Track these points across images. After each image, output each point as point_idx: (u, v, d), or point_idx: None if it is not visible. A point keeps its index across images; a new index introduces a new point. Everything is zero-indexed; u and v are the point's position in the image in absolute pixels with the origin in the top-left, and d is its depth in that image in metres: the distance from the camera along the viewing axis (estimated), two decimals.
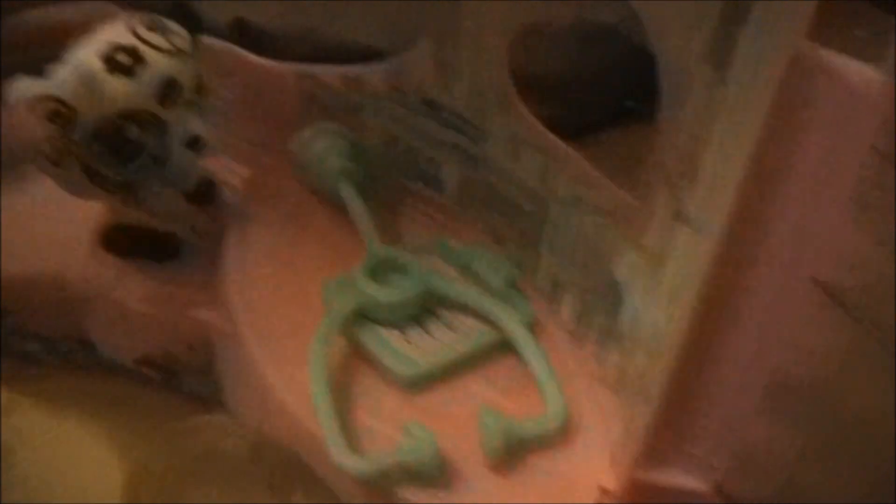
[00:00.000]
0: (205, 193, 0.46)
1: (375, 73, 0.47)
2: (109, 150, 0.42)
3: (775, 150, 0.30)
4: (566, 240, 0.43)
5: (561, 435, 0.40)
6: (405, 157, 0.48)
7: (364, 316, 0.43)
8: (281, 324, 0.43)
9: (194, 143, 0.44)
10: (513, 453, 0.39)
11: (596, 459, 0.39)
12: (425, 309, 0.43)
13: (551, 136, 0.43)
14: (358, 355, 0.43)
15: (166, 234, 0.46)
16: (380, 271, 0.44)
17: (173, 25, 0.43)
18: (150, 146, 0.42)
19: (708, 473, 0.37)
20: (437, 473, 0.38)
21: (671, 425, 0.36)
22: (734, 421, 0.35)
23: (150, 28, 0.42)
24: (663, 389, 0.35)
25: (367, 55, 0.47)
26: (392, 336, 0.42)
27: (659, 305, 0.36)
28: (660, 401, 0.35)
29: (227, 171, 0.49)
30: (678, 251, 0.35)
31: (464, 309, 0.44)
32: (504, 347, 0.43)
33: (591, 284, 0.42)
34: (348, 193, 0.46)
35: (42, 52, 0.41)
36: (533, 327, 0.44)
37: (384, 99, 0.47)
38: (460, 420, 0.40)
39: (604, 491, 0.38)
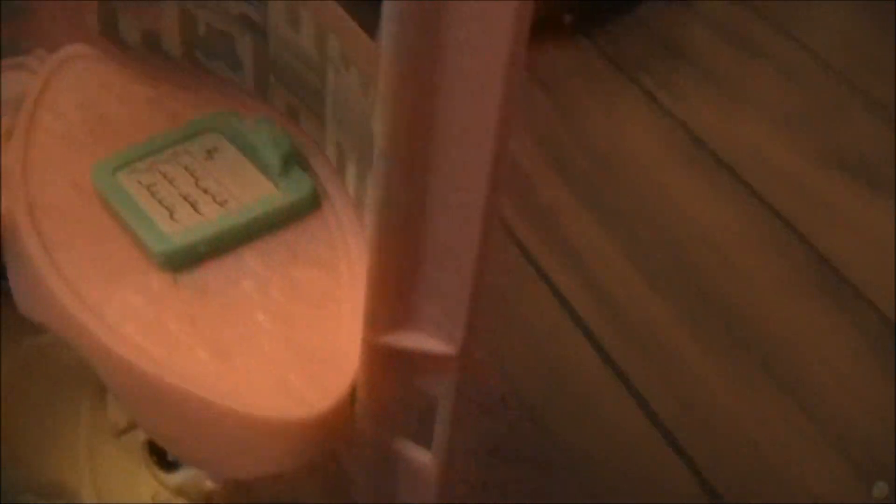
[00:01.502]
0: None
1: None
2: None
3: None
4: (343, 106, 0.40)
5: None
6: (204, 38, 0.46)
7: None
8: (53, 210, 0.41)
9: None
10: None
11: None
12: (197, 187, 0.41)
13: None
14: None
15: None
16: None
17: None
18: None
19: (450, 334, 0.34)
20: None
21: (398, 278, 0.33)
22: (460, 266, 0.32)
23: None
24: (374, 231, 0.32)
25: None
26: (154, 210, 0.40)
27: None
28: (373, 246, 0.32)
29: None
30: None
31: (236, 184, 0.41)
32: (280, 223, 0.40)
33: (366, 150, 0.39)
34: None
35: None
36: (312, 200, 0.41)
37: None
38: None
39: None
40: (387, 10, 0.27)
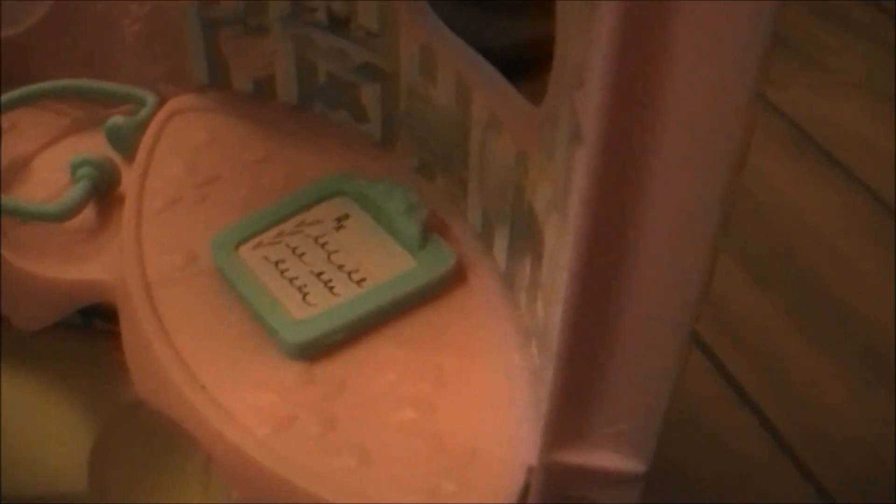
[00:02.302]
0: None
1: None
2: None
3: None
4: (490, 171, 0.36)
5: None
6: (324, 87, 0.42)
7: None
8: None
9: None
10: None
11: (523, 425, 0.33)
12: (330, 263, 0.37)
13: (466, 48, 0.36)
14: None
15: None
16: None
17: None
18: None
19: (638, 450, 0.30)
20: None
21: (579, 392, 0.28)
22: (652, 383, 0.28)
23: None
24: (561, 345, 0.28)
25: None
26: (283, 292, 0.36)
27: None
28: (559, 361, 0.28)
29: None
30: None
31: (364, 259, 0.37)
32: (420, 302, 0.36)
33: (518, 220, 0.35)
34: None
35: None
36: (457, 275, 0.37)
37: (289, 18, 0.40)
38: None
39: (530, 469, 0.32)
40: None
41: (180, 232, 0.39)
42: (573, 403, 0.29)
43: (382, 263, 0.37)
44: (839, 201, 0.94)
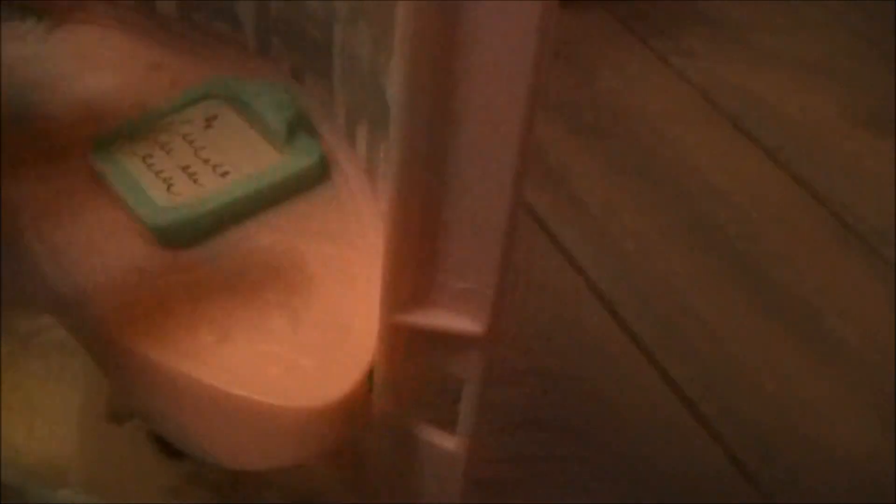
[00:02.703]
0: None
1: None
2: None
3: None
4: (352, 66, 0.37)
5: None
6: None
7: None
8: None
9: None
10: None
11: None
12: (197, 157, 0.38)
13: None
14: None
15: None
16: None
17: None
18: None
19: (477, 311, 0.31)
20: None
21: (414, 252, 0.30)
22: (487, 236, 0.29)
23: None
24: (394, 200, 0.29)
25: None
26: (150, 183, 0.37)
27: None
28: (393, 218, 0.29)
29: None
30: None
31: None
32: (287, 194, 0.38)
33: (378, 112, 0.36)
34: None
35: None
36: (321, 168, 0.38)
37: None
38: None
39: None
40: None
41: (68, 142, 0.40)
42: (408, 264, 0.30)
43: (248, 158, 0.38)
44: (748, 168, 0.96)
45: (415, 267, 0.30)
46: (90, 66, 0.43)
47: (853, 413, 0.76)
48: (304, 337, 0.34)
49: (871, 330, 0.82)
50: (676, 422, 0.75)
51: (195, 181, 0.37)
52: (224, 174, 0.37)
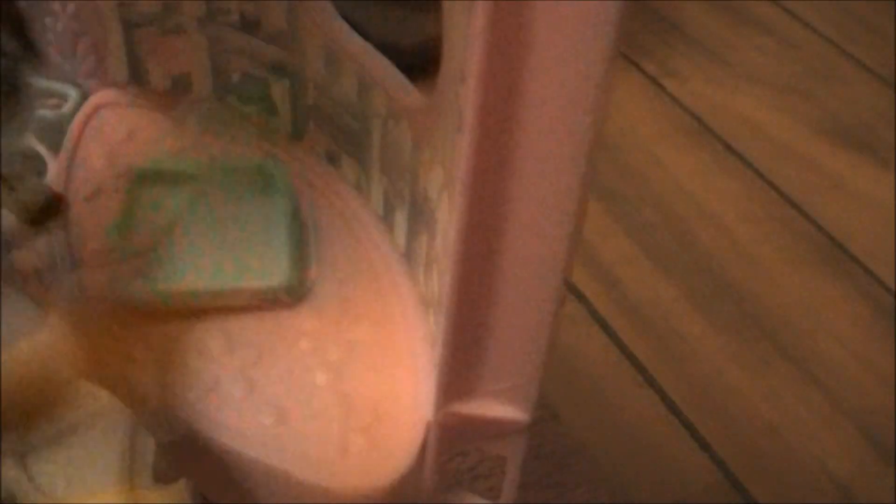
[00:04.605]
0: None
1: None
2: None
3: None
4: (390, 158, 0.40)
5: None
6: (238, 84, 0.45)
7: None
8: None
9: None
10: None
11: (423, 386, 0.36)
12: None
13: (367, 46, 0.39)
14: None
15: None
16: None
17: None
18: None
19: (522, 401, 0.33)
20: None
21: (467, 350, 0.32)
22: (532, 340, 0.31)
23: None
24: (449, 308, 0.31)
25: None
26: None
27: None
28: (448, 322, 0.31)
29: None
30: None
31: None
32: None
33: (416, 202, 0.39)
34: None
35: None
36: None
37: (204, 19, 0.44)
38: None
39: (429, 424, 0.36)
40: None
41: (101, 220, 0.42)
42: (462, 360, 0.32)
43: None
44: (737, 189, 0.98)
45: (467, 365, 0.32)
46: (121, 147, 0.45)
47: (839, 429, 0.79)
48: (355, 420, 0.37)
49: (858, 349, 0.84)
50: (670, 440, 0.77)
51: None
52: None
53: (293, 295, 0.39)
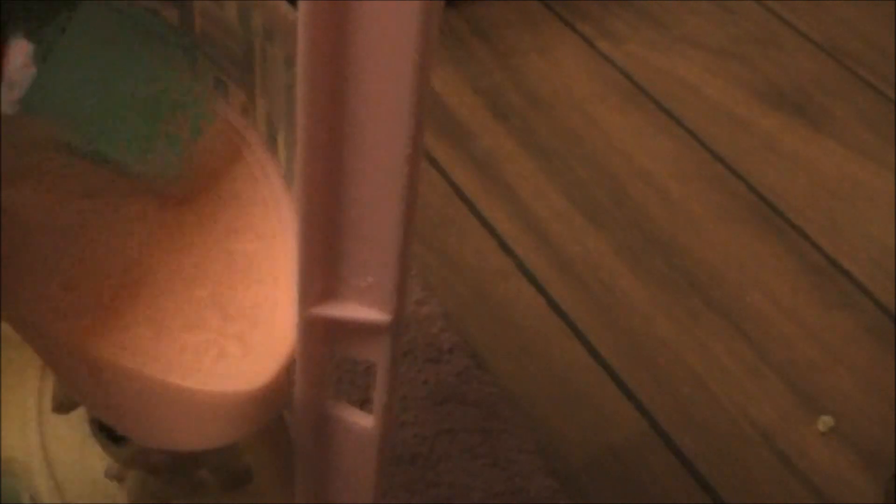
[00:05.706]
0: None
1: None
2: None
3: None
4: (270, 78, 0.41)
5: None
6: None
7: None
8: None
9: None
10: None
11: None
12: None
13: None
14: None
15: None
16: None
17: None
18: None
19: (382, 302, 0.35)
20: None
21: (323, 251, 0.33)
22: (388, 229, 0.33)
23: None
24: (302, 204, 0.32)
25: None
26: None
27: None
28: (302, 222, 0.33)
29: None
30: None
31: None
32: None
33: (293, 122, 0.40)
34: None
35: None
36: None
37: None
38: None
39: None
40: None
41: None
42: (319, 261, 0.34)
43: None
44: (670, 148, 0.99)
45: (324, 265, 0.34)
46: None
47: (763, 379, 0.80)
48: (232, 328, 0.38)
49: (785, 303, 0.86)
50: (598, 390, 0.79)
51: None
52: None
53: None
